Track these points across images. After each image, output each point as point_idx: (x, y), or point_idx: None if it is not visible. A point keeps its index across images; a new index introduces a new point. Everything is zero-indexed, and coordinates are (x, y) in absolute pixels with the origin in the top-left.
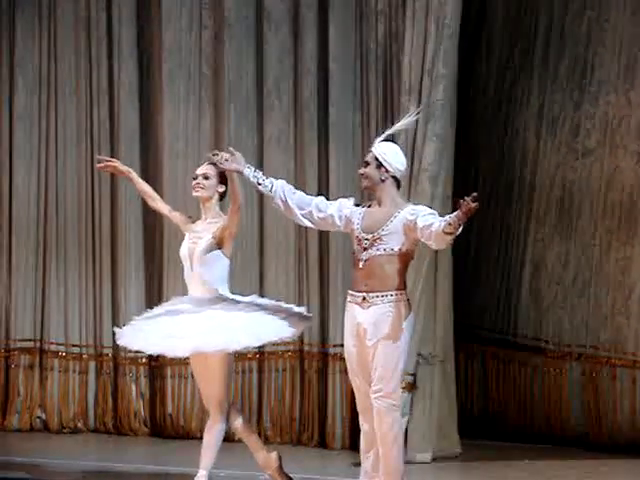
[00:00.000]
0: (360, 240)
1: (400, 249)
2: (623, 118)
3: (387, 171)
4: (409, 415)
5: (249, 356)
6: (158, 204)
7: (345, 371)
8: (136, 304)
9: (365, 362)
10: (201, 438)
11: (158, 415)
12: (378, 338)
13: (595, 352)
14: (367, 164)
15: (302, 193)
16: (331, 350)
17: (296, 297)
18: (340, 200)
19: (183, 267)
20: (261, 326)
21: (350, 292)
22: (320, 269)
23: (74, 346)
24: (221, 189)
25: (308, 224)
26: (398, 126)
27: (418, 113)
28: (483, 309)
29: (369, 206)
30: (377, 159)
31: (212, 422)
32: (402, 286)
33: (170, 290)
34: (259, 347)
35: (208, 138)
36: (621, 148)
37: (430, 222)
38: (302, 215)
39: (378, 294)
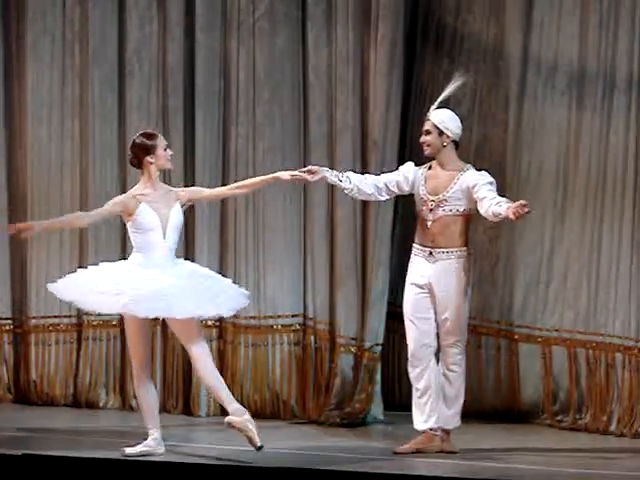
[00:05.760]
0: (426, 201)
1: (464, 210)
2: (492, 87)
3: (448, 137)
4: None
5: (113, 323)
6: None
7: (209, 338)
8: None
9: (424, 310)
10: (65, 405)
11: (22, 382)
12: (446, 292)
13: None
14: (428, 133)
15: (370, 176)
16: None
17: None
18: (400, 168)
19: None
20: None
21: (416, 246)
22: (185, 233)
23: None
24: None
25: (385, 198)
26: (447, 93)
27: (462, 78)
28: None
29: (429, 168)
30: (437, 127)
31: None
32: (465, 243)
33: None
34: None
35: (72, 104)
36: (490, 117)
37: (484, 196)
38: (378, 194)
39: (444, 250)
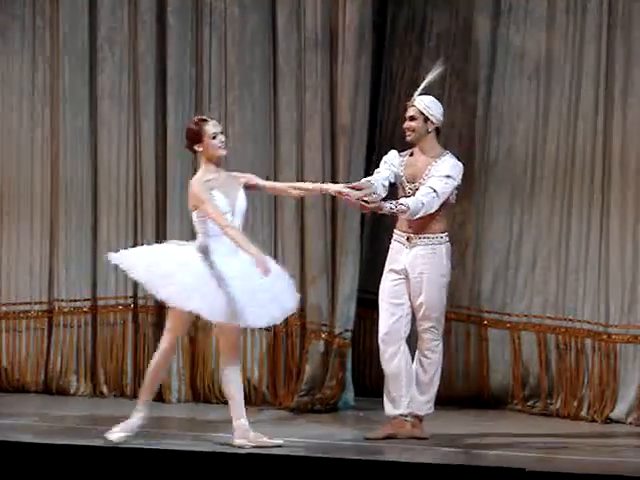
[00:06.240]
0: (404, 188)
1: None
2: (461, 72)
3: (432, 123)
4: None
5: (84, 310)
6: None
7: None
8: None
9: (399, 295)
10: (36, 392)
11: None
12: (421, 277)
13: None
14: (413, 118)
15: (378, 178)
16: None
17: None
18: (386, 159)
19: None
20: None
21: (396, 232)
22: (156, 221)
23: None
24: None
25: None
26: (428, 80)
27: (442, 66)
28: None
29: (411, 154)
30: (423, 113)
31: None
32: (443, 229)
33: None
34: (93, 301)
35: (42, 91)
36: (459, 102)
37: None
38: (385, 193)
39: (421, 236)
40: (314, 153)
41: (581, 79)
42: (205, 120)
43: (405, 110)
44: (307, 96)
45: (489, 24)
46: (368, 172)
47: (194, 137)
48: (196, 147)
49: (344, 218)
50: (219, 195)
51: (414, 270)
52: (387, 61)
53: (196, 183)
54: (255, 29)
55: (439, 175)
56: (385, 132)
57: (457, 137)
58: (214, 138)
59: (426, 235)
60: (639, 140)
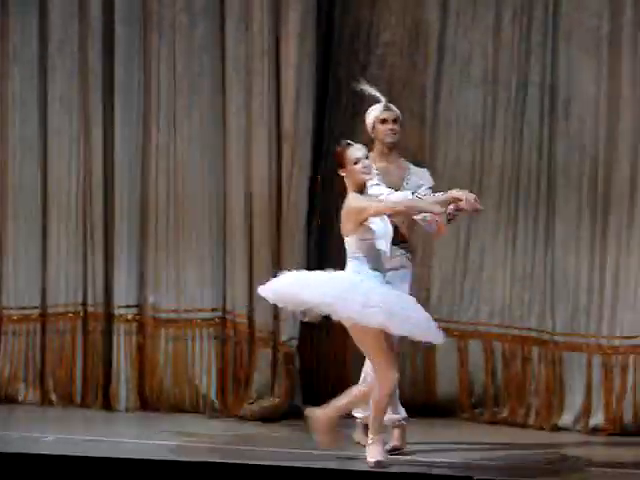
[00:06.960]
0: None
1: None
2: (408, 81)
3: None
4: None
5: (32, 317)
6: None
7: (129, 332)
8: None
9: None
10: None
11: None
12: (399, 286)
13: None
14: (396, 122)
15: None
16: (116, 311)
17: (80, 257)
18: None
19: None
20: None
21: None
22: (105, 228)
23: None
24: None
25: None
26: (374, 92)
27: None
28: None
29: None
30: (399, 119)
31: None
32: (408, 239)
33: None
34: (42, 309)
35: None
36: (406, 110)
37: None
38: None
39: (395, 246)
40: (261, 160)
41: (527, 87)
42: (349, 144)
43: (359, 116)
44: (254, 103)
45: (436, 31)
46: (314, 179)
47: (338, 162)
48: (341, 172)
49: (290, 227)
50: (374, 219)
51: (394, 279)
52: (334, 69)
53: (353, 202)
54: (203, 36)
55: (426, 187)
56: (332, 140)
57: (405, 146)
58: (356, 163)
59: (402, 245)
60: (582, 149)
